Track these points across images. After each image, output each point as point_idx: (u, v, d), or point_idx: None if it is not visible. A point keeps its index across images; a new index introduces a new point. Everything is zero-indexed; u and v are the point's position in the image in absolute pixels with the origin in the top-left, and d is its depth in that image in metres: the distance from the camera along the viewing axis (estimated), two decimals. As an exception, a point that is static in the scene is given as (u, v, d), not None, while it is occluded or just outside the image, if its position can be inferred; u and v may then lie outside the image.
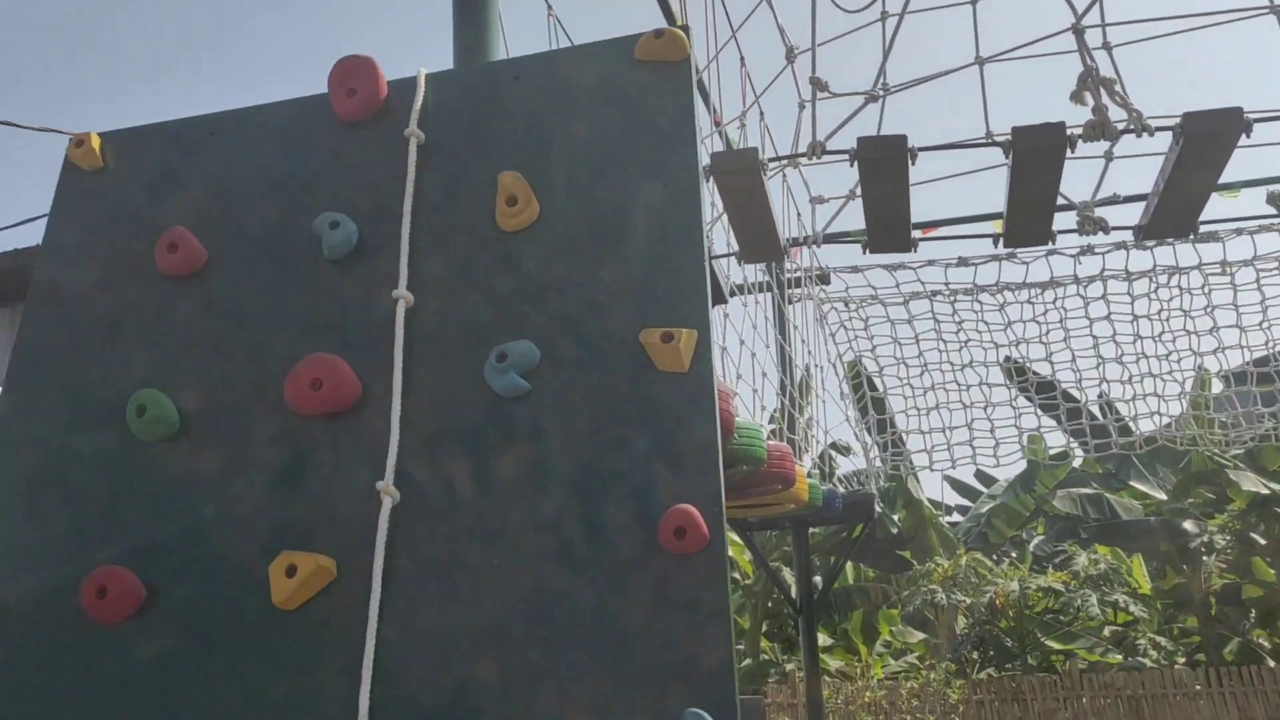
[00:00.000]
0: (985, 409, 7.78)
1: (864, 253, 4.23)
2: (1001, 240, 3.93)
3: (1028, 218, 3.70)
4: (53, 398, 1.81)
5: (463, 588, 1.51)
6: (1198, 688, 10.60)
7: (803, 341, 7.21)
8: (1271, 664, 11.27)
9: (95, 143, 2.01)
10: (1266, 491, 11.27)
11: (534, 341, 1.63)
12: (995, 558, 14.26)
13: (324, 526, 1.60)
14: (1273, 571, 13.07)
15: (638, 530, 1.50)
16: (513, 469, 1.57)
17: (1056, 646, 12.89)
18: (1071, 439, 9.54)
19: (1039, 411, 8.82)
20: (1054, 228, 3.82)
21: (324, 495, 1.62)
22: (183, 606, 1.59)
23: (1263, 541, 12.36)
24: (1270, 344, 7.32)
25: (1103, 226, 3.88)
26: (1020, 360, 7.88)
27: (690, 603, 1.45)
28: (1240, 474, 11.61)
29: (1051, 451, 13.46)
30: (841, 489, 6.48)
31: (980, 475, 17.77)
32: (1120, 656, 12.92)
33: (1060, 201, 3.78)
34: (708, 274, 1.65)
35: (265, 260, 1.81)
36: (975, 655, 12.41)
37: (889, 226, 3.80)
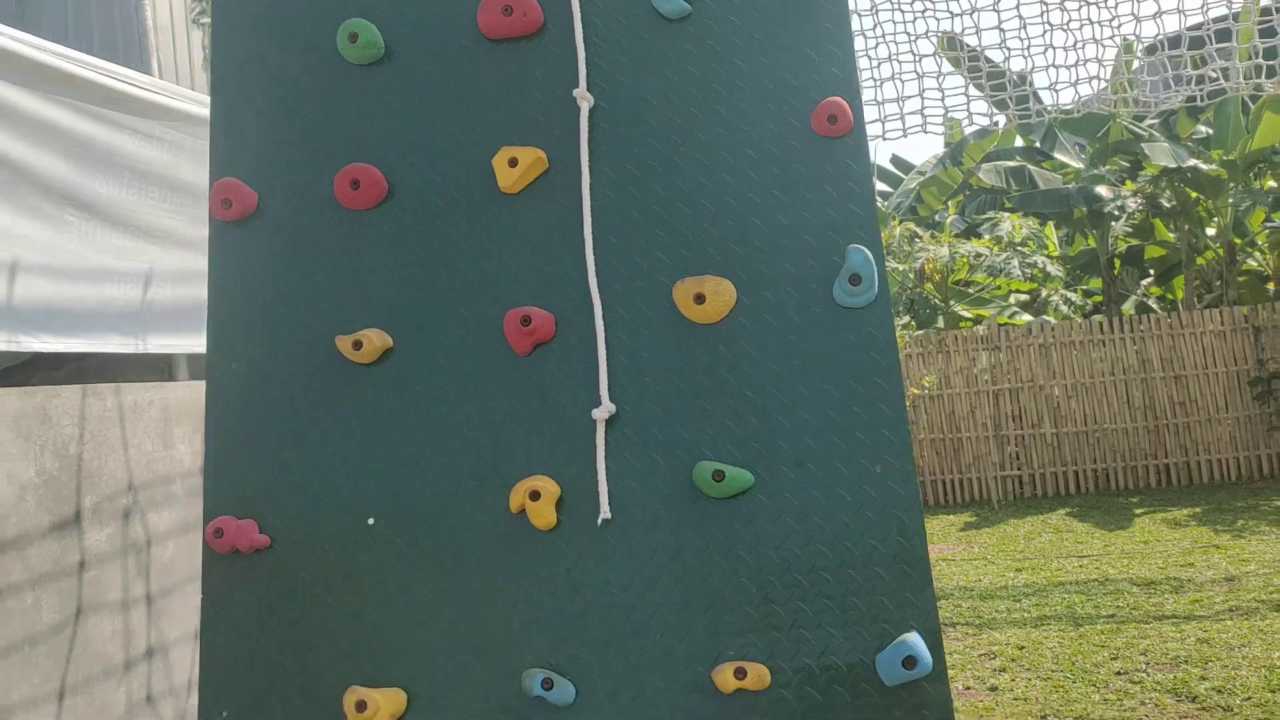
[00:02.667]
0: (937, 79, 8.27)
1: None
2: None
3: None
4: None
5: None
6: (1100, 336, 11.90)
7: None
8: (1161, 313, 12.60)
9: None
10: (1176, 163, 12.16)
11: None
12: (926, 229, 15.23)
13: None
14: (1172, 235, 14.31)
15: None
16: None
17: (967, 314, 14.19)
18: (995, 110, 10.11)
19: (971, 81, 9.35)
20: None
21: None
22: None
23: (1168, 205, 13.45)
24: (1183, 15, 7.80)
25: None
26: (953, 33, 8.31)
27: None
28: (1154, 145, 12.45)
29: (981, 124, 14.09)
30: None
31: (895, 160, 18.48)
32: (1028, 317, 14.28)
33: None
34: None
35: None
36: (907, 318, 13.61)
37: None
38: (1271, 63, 9.43)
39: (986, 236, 14.70)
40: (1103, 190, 13.00)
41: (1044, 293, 14.87)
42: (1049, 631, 6.07)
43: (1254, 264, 14.13)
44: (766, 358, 2.07)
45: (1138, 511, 10.19)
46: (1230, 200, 13.06)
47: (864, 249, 2.07)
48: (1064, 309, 14.46)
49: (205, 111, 4.73)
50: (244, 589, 2.14)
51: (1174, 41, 9.57)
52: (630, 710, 1.98)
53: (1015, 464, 11.93)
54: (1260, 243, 13.84)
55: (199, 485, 4.52)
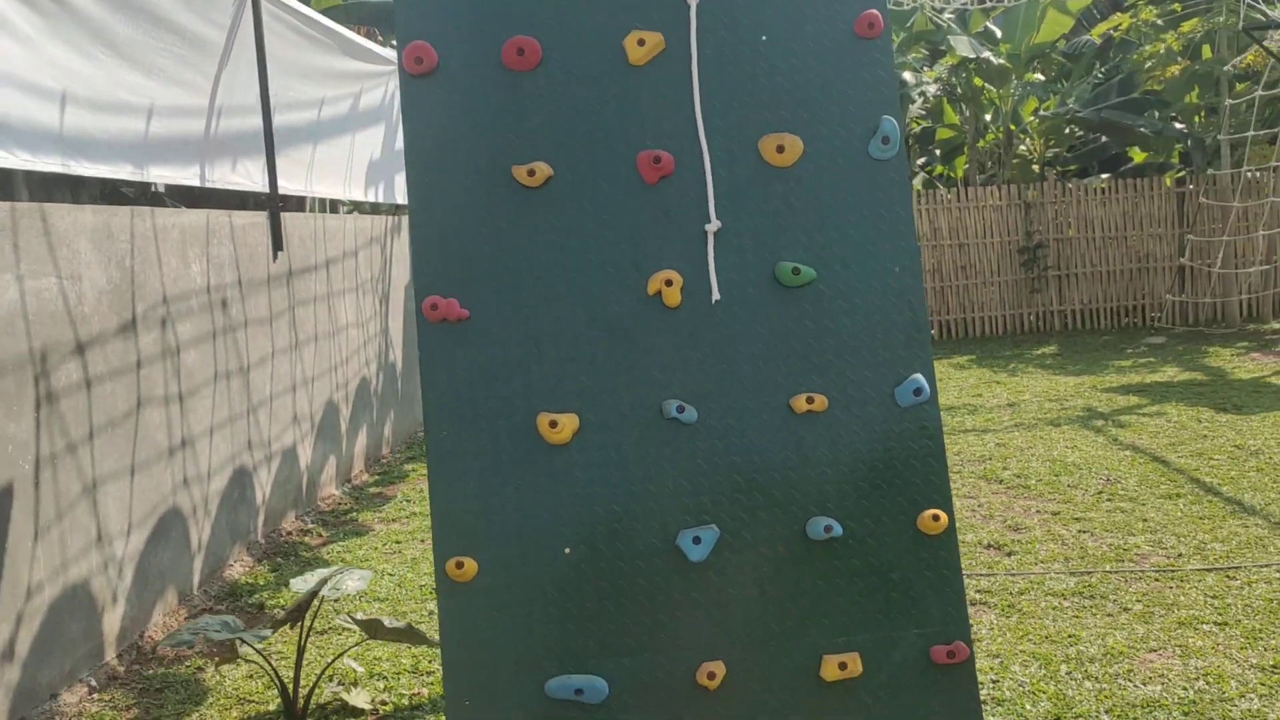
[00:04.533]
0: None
1: None
2: None
3: None
4: None
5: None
6: (899, 206, 13.48)
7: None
8: (945, 190, 14.31)
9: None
10: (972, 54, 13.70)
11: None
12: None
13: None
14: (958, 117, 16.06)
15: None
16: None
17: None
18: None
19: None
20: None
21: None
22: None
23: (960, 91, 15.10)
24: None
25: None
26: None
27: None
28: (955, 37, 13.93)
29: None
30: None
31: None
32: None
33: None
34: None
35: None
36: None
37: None
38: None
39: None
40: (908, 76, 14.45)
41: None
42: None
43: (1024, 149, 16.11)
44: (824, 192, 3.03)
45: (928, 358, 11.95)
46: (1011, 90, 14.83)
47: (891, 119, 3.04)
48: (866, 182, 16.03)
49: None
50: (451, 350, 2.95)
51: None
52: (735, 426, 2.95)
53: (823, 318, 13.49)
54: (1031, 130, 15.78)
55: (209, 301, 5.11)
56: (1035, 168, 15.83)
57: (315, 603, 3.68)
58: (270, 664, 3.66)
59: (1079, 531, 5.19)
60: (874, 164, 3.05)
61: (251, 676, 4.07)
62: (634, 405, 2.96)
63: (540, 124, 3.01)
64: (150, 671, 4.19)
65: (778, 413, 2.98)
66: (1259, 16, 10.70)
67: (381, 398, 7.87)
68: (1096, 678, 3.58)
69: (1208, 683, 3.48)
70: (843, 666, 2.87)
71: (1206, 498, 5.62)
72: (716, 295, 2.98)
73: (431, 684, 3.89)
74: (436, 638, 3.91)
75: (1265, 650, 3.70)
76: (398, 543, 5.70)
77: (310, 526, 6.08)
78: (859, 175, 3.04)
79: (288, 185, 6.16)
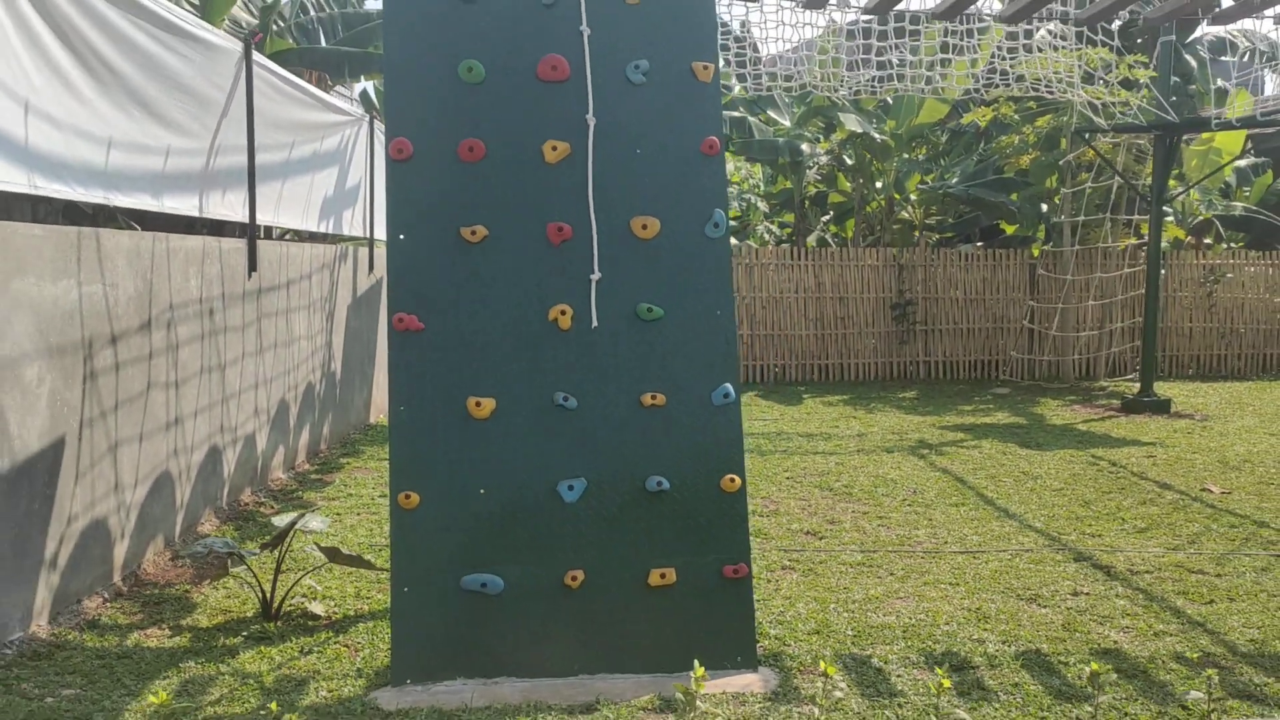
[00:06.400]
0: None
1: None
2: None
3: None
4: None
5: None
6: (789, 261, 15.13)
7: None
8: (835, 247, 16.02)
9: None
10: (860, 130, 15.49)
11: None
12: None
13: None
14: (850, 185, 17.87)
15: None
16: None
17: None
18: (735, 78, 12.83)
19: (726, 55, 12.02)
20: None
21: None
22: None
23: (849, 162, 16.90)
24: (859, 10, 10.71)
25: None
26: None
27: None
28: (846, 114, 15.73)
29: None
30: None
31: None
32: (736, 241, 17.43)
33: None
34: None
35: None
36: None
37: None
38: (941, 71, 12.76)
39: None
40: (804, 146, 16.20)
41: (751, 222, 18.07)
42: (746, 459, 8.97)
43: (906, 215, 17.97)
44: (672, 258, 4.47)
45: (805, 396, 13.54)
46: (894, 163, 16.67)
47: (721, 210, 4.50)
48: (765, 237, 17.75)
49: (217, 38, 6.59)
50: (410, 351, 4.30)
51: (865, 33, 12.84)
52: (601, 412, 4.35)
53: (717, 357, 15.03)
54: (913, 199, 17.65)
55: (200, 309, 6.38)
56: (915, 233, 17.69)
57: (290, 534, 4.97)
58: (256, 576, 4.93)
59: (878, 525, 6.71)
60: (707, 241, 4.51)
61: (229, 596, 5.31)
62: (535, 394, 4.35)
63: (481, 200, 4.41)
64: (148, 592, 5.40)
65: (631, 405, 4.39)
66: (1091, 118, 12.63)
67: (323, 401, 9.10)
68: (853, 611, 5.04)
69: (926, 616, 4.97)
70: (663, 576, 4.28)
71: (983, 506, 7.20)
72: (595, 323, 4.40)
73: (370, 603, 5.18)
74: (377, 567, 5.22)
75: (976, 600, 5.21)
76: (338, 515, 6.96)
77: (264, 500, 7.30)
78: (696, 248, 4.50)
79: (261, 216, 7.44)
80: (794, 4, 10.63)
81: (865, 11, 8.25)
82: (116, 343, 5.35)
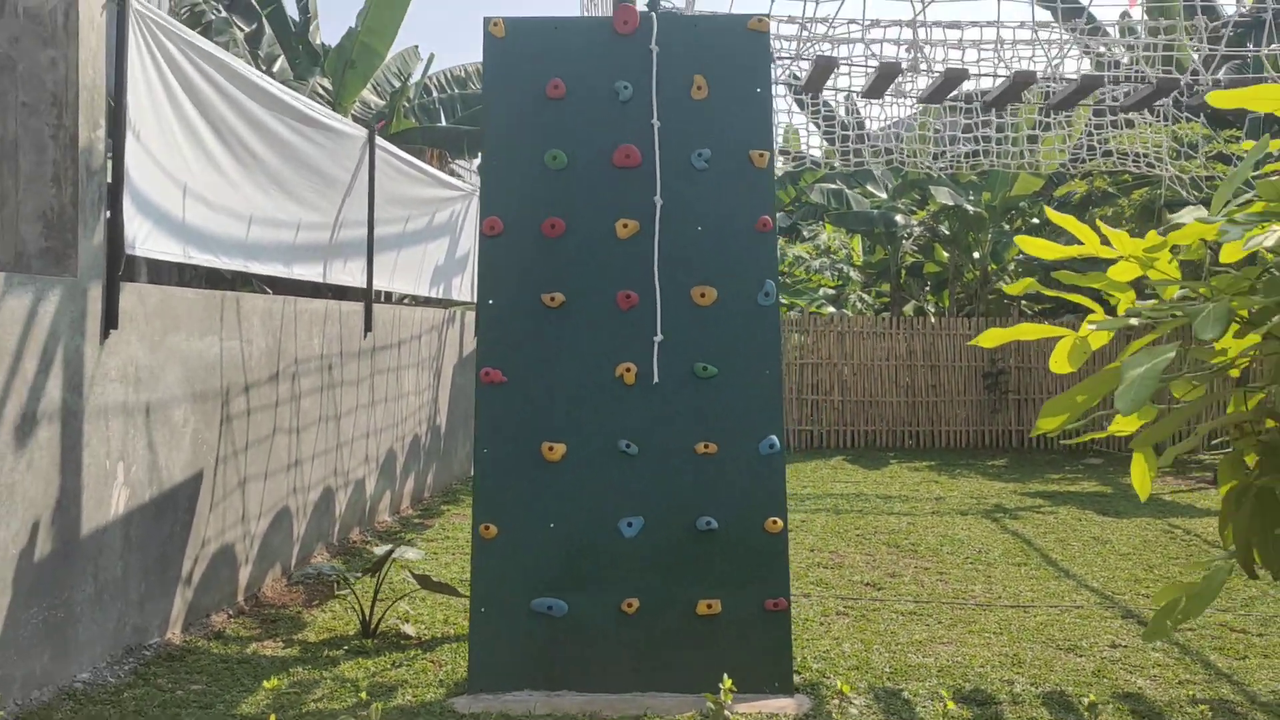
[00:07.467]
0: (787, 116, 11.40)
1: None
2: None
3: None
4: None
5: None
6: (881, 329, 15.49)
7: None
8: (934, 320, 16.33)
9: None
10: (953, 202, 15.87)
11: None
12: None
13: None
14: (947, 255, 18.16)
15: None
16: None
17: (785, 301, 17.66)
18: (838, 152, 13.41)
19: (816, 127, 12.61)
20: None
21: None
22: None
23: (946, 233, 17.24)
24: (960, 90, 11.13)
25: None
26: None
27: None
28: (939, 187, 16.14)
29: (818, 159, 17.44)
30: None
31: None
32: (832, 309, 17.89)
33: None
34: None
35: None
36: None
37: None
38: (1031, 147, 13.13)
39: (809, 242, 18.19)
40: (899, 217, 16.63)
41: (846, 291, 18.51)
42: (819, 516, 9.38)
43: (1003, 285, 18.13)
44: (726, 323, 5.03)
45: (892, 461, 13.81)
46: (989, 235, 16.95)
47: (771, 281, 5.06)
48: (859, 305, 18.15)
49: (345, 127, 7.47)
50: (494, 401, 4.94)
51: (956, 110, 13.18)
52: (660, 459, 4.90)
53: (810, 421, 15.42)
54: (1011, 269, 17.84)
55: (320, 365, 7.16)
56: (1009, 304, 17.84)
57: (387, 563, 5.63)
58: (357, 597, 5.60)
59: (936, 579, 7.05)
60: (759, 308, 5.06)
61: (334, 617, 5.98)
62: (601, 441, 4.94)
63: (560, 270, 5.05)
64: (265, 611, 6.12)
65: (686, 453, 4.94)
66: (1180, 192, 12.78)
67: (428, 452, 9.86)
68: (894, 652, 5.43)
69: (963, 659, 5.33)
70: (710, 606, 4.78)
71: (1044, 566, 7.47)
72: (656, 379, 4.98)
73: (455, 628, 5.79)
74: (462, 594, 5.82)
75: (1015, 648, 5.53)
76: (434, 554, 7.63)
77: (370, 539, 8.03)
78: (749, 315, 5.05)
79: (377, 282, 8.28)
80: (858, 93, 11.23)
81: (919, 101, 8.75)
82: (249, 391, 6.15)
